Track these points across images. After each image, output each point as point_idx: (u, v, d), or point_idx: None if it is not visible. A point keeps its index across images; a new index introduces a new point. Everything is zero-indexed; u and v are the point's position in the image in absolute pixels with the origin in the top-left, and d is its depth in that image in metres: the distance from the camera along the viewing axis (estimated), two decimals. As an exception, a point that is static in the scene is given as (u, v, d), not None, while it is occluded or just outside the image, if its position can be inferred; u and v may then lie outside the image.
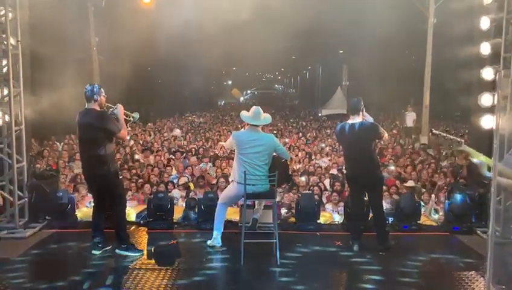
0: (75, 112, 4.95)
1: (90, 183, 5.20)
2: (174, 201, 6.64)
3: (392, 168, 9.60)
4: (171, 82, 24.49)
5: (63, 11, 10.64)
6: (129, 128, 5.33)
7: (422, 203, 6.86)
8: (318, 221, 6.22)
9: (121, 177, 5.63)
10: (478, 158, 3.09)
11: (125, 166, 9.33)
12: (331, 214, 6.98)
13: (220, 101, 42.89)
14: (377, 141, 5.92)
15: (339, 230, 6.03)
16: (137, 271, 4.54)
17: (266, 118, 5.22)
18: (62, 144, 12.22)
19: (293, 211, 6.55)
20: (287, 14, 14.99)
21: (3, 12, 5.48)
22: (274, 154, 5.16)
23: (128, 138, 11.19)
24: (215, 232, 5.21)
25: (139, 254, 4.96)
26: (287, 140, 14.79)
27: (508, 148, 5.08)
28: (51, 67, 9.86)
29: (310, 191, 7.49)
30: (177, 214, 6.27)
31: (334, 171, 9.59)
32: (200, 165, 9.95)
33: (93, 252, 4.96)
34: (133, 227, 5.97)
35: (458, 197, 6.12)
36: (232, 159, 5.97)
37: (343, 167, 7.32)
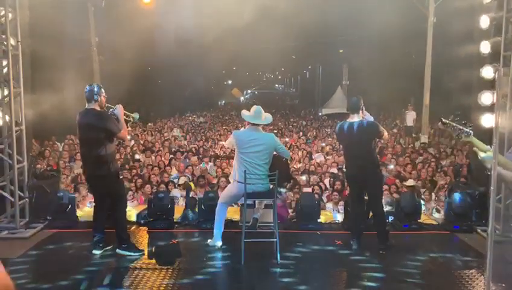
0: (76, 112, 4.96)
1: (91, 184, 5.22)
2: (175, 201, 6.65)
3: (392, 167, 9.61)
4: (171, 82, 24.49)
5: (63, 11, 10.64)
6: (129, 129, 5.33)
7: (422, 203, 6.87)
8: (319, 220, 6.22)
9: (121, 177, 5.64)
10: (483, 149, 3.08)
11: (126, 166, 9.34)
12: (332, 213, 6.98)
13: (220, 101, 42.88)
14: (377, 140, 5.92)
15: (340, 229, 6.03)
16: (138, 271, 4.55)
17: (267, 117, 5.23)
18: (63, 144, 12.23)
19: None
20: (287, 14, 15.00)
21: (3, 12, 5.49)
22: (274, 153, 5.17)
23: (129, 137, 11.21)
24: (215, 232, 5.21)
25: (140, 253, 4.97)
26: (287, 139, 14.80)
27: (508, 146, 5.09)
28: (51, 67, 9.87)
29: (311, 191, 7.50)
30: (178, 214, 6.28)
31: (334, 170, 9.59)
32: (200, 164, 9.95)
33: (94, 252, 4.97)
34: (134, 227, 5.98)
35: (458, 196, 6.13)
36: (233, 158, 5.97)
37: (343, 166, 7.31)
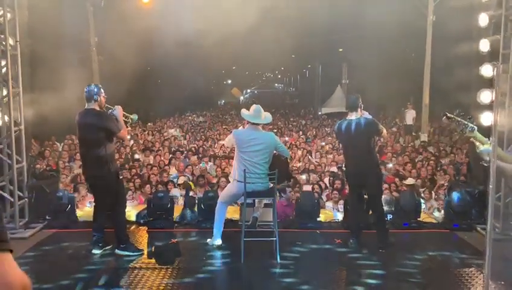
0: (75, 112, 4.96)
1: (91, 183, 5.21)
2: (174, 200, 6.65)
3: (390, 165, 9.61)
4: (170, 82, 24.46)
5: (62, 11, 10.63)
6: (129, 128, 5.33)
7: (422, 201, 6.87)
8: (318, 219, 6.22)
9: (121, 177, 5.64)
10: (487, 146, 3.09)
11: (126, 166, 9.34)
12: (332, 212, 6.98)
13: (219, 101, 42.84)
14: (377, 138, 5.92)
15: (339, 228, 6.03)
16: (138, 270, 4.55)
17: (267, 117, 5.22)
18: (62, 144, 12.22)
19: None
20: (287, 13, 14.97)
21: (1, 12, 5.48)
22: (274, 152, 5.16)
23: (128, 137, 11.21)
24: (215, 231, 5.21)
25: (139, 253, 4.97)
26: (287, 138, 14.79)
27: (507, 144, 5.09)
28: (50, 67, 9.85)
29: (310, 189, 7.50)
30: (177, 214, 6.28)
31: (334, 169, 9.59)
32: (200, 164, 9.95)
33: (94, 251, 4.97)
34: (133, 226, 5.98)
35: (458, 194, 6.13)
36: (232, 158, 5.97)
37: (343, 165, 7.31)
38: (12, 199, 5.70)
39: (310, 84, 39.08)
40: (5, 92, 5.61)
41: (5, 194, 5.72)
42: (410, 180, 8.27)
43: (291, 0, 14.55)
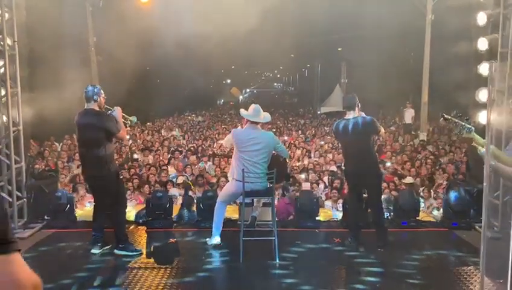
0: (74, 112, 4.96)
1: (91, 184, 5.21)
2: (173, 200, 6.65)
3: (389, 164, 9.61)
4: (170, 81, 24.45)
5: (60, 11, 10.62)
6: (128, 128, 5.33)
7: (421, 200, 6.87)
8: (317, 218, 6.22)
9: (121, 177, 5.64)
10: (483, 144, 3.09)
11: (125, 166, 9.33)
12: (331, 211, 6.98)
13: (219, 100, 42.85)
14: (375, 137, 5.93)
15: (338, 227, 6.04)
16: (137, 270, 4.55)
17: (266, 116, 5.22)
18: (61, 144, 12.21)
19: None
20: (286, 13, 14.96)
21: (-1, 12, 5.48)
22: (273, 152, 5.17)
23: (128, 137, 11.19)
24: (214, 230, 5.21)
25: (137, 253, 4.97)
26: (286, 138, 14.79)
27: (505, 143, 5.09)
28: (49, 67, 9.84)
29: (309, 189, 7.49)
30: (176, 213, 6.28)
31: (333, 168, 9.59)
32: (199, 164, 9.95)
33: (93, 251, 4.97)
34: (132, 226, 5.98)
35: (457, 193, 6.13)
36: (231, 157, 5.97)
37: (342, 164, 7.32)
38: (10, 199, 5.70)
39: (309, 84, 39.10)
40: (3, 92, 5.60)
41: (4, 195, 5.71)
42: (409, 179, 8.27)
43: (291, 0, 14.54)
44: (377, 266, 4.69)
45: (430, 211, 7.02)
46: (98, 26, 14.47)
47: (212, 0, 12.70)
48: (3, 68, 5.54)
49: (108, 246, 5.05)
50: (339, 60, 29.37)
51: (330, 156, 11.02)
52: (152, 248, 5.02)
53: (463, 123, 3.29)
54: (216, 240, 5.18)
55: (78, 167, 8.87)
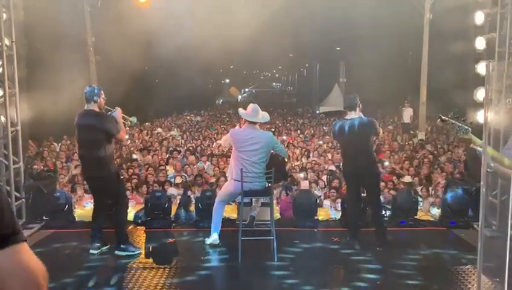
0: (73, 112, 4.96)
1: (91, 184, 5.19)
2: (172, 199, 6.64)
3: (387, 163, 9.62)
4: (168, 81, 24.43)
5: (58, 11, 10.60)
6: (127, 128, 5.34)
7: (420, 199, 6.88)
8: (316, 217, 6.23)
9: (122, 177, 5.64)
10: (481, 145, 3.10)
11: (124, 165, 9.32)
12: (329, 211, 6.98)
13: (217, 100, 42.84)
14: (375, 137, 5.94)
15: (337, 226, 6.05)
16: (135, 270, 4.55)
17: (264, 116, 5.22)
18: (60, 144, 12.20)
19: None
20: (284, 12, 14.96)
21: (-3, 13, 5.47)
22: (272, 152, 5.17)
23: (126, 137, 11.18)
24: (212, 230, 5.21)
25: (138, 251, 4.96)
26: (284, 137, 14.80)
27: (503, 142, 5.10)
28: (47, 68, 9.83)
29: (308, 188, 7.50)
30: (173, 213, 6.28)
31: (332, 167, 9.60)
32: (197, 163, 9.94)
33: (91, 251, 4.97)
34: (131, 226, 5.97)
35: (455, 192, 6.14)
36: (229, 157, 5.97)
37: (341, 164, 7.32)
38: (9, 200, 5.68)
39: (308, 83, 39.13)
40: (1, 93, 5.59)
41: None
42: (407, 178, 8.28)
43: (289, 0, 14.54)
44: (376, 265, 4.70)
45: (428, 210, 7.04)
46: (96, 26, 14.46)
47: (211, 0, 12.69)
48: (1, 68, 5.53)
49: (107, 246, 5.05)
50: (338, 60, 29.40)
51: (329, 155, 11.03)
52: (151, 248, 5.02)
53: (460, 124, 3.30)
54: (214, 239, 5.17)
55: (75, 167, 8.86)
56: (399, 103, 18.25)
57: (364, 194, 5.54)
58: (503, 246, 2.96)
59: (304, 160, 10.63)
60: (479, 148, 3.25)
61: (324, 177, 8.66)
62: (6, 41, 5.54)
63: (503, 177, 3.26)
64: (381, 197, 5.78)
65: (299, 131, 17.16)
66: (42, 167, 8.53)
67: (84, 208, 6.89)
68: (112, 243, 5.03)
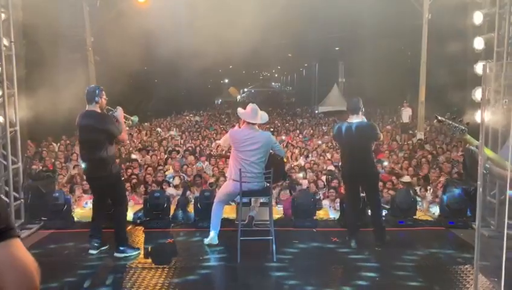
0: (73, 112, 4.96)
1: (92, 185, 5.18)
2: (171, 199, 6.64)
3: (386, 163, 9.63)
4: (167, 81, 24.45)
5: (57, 11, 10.60)
6: (126, 128, 5.34)
7: (418, 199, 6.89)
8: (315, 217, 6.23)
9: (123, 177, 5.63)
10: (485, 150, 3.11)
11: (123, 166, 9.32)
12: (328, 211, 6.99)
13: (217, 100, 42.86)
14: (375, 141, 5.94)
15: (336, 226, 6.05)
16: (134, 270, 4.55)
17: (263, 117, 5.22)
18: (58, 144, 12.20)
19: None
20: (283, 12, 14.97)
21: (-5, 13, 5.46)
22: (270, 151, 5.17)
23: (126, 137, 11.17)
24: (211, 230, 5.21)
25: (137, 252, 4.96)
26: (283, 137, 14.80)
27: (502, 142, 5.10)
28: (46, 68, 9.83)
29: (307, 188, 7.51)
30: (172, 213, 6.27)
31: (331, 167, 9.61)
32: (197, 164, 9.94)
33: (91, 251, 4.96)
34: (130, 226, 5.96)
35: (454, 191, 6.15)
36: (228, 157, 5.97)
37: (339, 164, 7.32)
38: (8, 200, 5.69)
39: (307, 83, 39.17)
40: (0, 93, 5.59)
41: (1, 196, 5.70)
42: (406, 178, 8.29)
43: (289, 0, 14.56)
44: (374, 264, 4.70)
45: (427, 210, 7.04)
46: (95, 26, 14.46)
47: (211, 0, 12.69)
48: (0, 68, 5.52)
49: (106, 247, 5.04)
50: (337, 60, 29.44)
51: (328, 155, 11.04)
52: (150, 248, 4.98)
53: (456, 125, 3.30)
54: (212, 238, 5.17)
55: (74, 167, 8.87)
56: (398, 102, 18.29)
57: (363, 194, 5.54)
58: (501, 246, 2.97)
59: (301, 160, 10.64)
60: (474, 149, 3.26)
61: (323, 177, 8.67)
62: (5, 42, 5.52)
63: (497, 178, 3.27)
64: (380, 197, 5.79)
65: (298, 131, 17.17)
66: (41, 167, 8.53)
67: (83, 208, 6.89)
68: (112, 243, 5.02)
